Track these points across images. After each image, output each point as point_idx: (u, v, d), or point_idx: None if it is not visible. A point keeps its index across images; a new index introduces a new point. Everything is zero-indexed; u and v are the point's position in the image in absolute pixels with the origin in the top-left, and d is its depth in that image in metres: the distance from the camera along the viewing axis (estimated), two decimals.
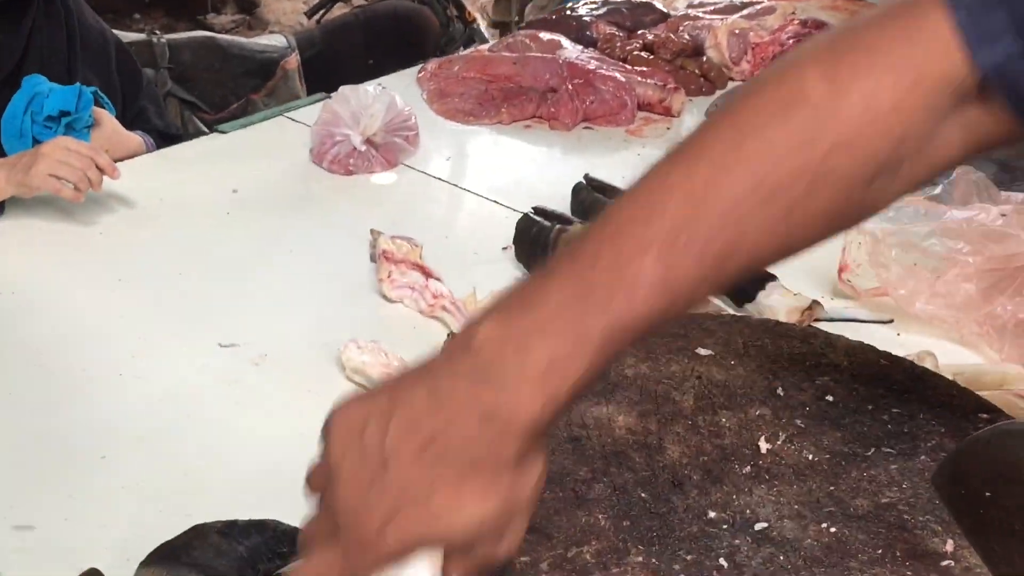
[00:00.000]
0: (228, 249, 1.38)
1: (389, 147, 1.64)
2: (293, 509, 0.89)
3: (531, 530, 0.69)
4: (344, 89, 1.64)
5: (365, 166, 1.61)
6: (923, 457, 0.77)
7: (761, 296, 1.23)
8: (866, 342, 1.10)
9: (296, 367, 1.11)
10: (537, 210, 1.38)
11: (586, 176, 1.46)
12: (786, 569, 0.68)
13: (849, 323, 1.24)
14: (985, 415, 0.82)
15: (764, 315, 1.21)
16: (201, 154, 1.69)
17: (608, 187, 1.43)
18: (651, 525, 0.71)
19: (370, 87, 1.65)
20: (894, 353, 0.93)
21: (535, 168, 1.72)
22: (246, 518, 0.80)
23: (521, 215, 1.38)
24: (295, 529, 0.81)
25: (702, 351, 0.89)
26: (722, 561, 0.68)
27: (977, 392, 1.07)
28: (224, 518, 0.81)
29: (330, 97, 1.67)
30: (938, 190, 1.20)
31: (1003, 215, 1.09)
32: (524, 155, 1.75)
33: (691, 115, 1.89)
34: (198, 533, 0.77)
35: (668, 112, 1.87)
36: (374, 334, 1.18)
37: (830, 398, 0.84)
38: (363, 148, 1.61)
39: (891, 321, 1.24)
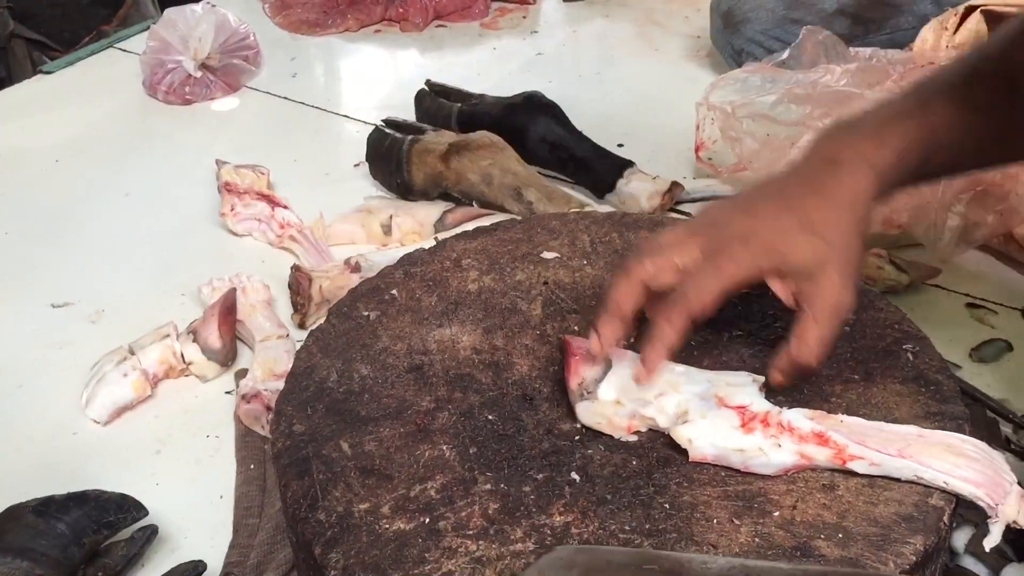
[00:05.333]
0: (58, 200, 1.29)
1: (228, 70, 1.54)
2: (124, 475, 0.85)
3: (369, 473, 0.66)
4: (170, 12, 1.53)
5: (204, 93, 1.51)
6: (774, 337, 0.75)
7: (620, 184, 1.20)
8: None
9: (137, 319, 1.04)
10: (388, 122, 1.32)
11: (428, 81, 1.39)
12: (639, 473, 0.65)
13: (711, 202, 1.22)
14: None
15: (626, 203, 1.18)
16: (26, 99, 1.56)
17: (452, 90, 1.36)
18: (499, 448, 0.68)
19: (198, 7, 1.53)
20: None
21: (388, 76, 1.64)
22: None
23: (372, 128, 1.31)
24: (120, 496, 0.77)
25: (547, 255, 0.85)
26: (574, 475, 0.65)
27: None
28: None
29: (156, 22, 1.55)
30: (785, 55, 1.17)
31: (848, 74, 1.07)
32: (375, 63, 1.67)
33: (549, 1, 1.82)
34: (10, 515, 0.71)
35: (524, 0, 1.80)
36: (222, 273, 1.11)
37: None
38: (199, 74, 1.50)
39: None
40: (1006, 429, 0.89)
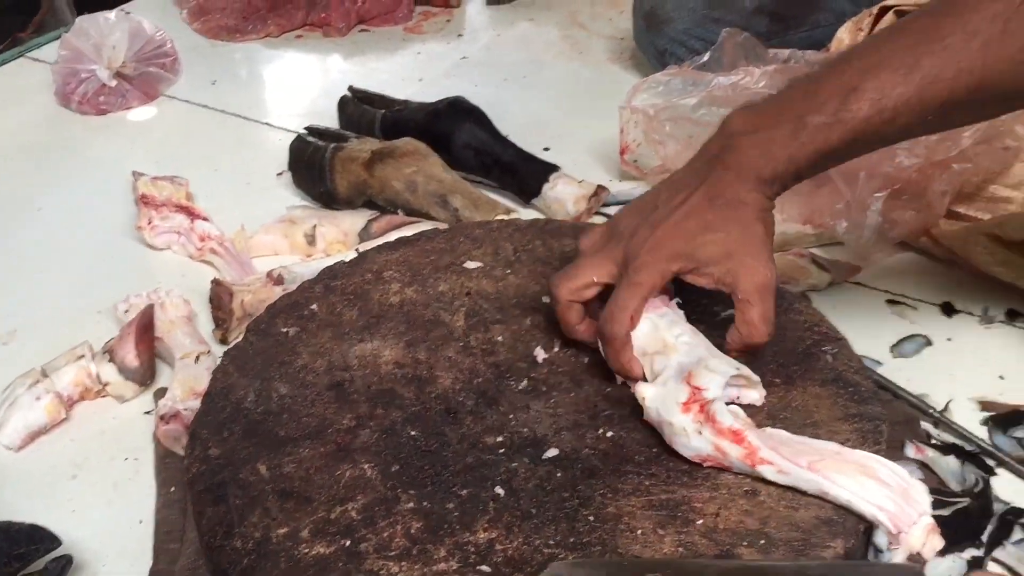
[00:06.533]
0: None
1: (145, 78, 1.50)
2: (38, 503, 0.82)
3: (288, 496, 0.64)
4: (81, 19, 1.49)
5: (120, 102, 1.47)
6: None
7: (546, 189, 1.19)
8: None
9: (51, 340, 1.01)
10: (311, 130, 1.30)
11: (351, 88, 1.37)
12: (564, 485, 0.65)
13: None
14: None
15: (552, 207, 1.18)
16: None
17: (375, 96, 1.35)
18: (422, 465, 0.67)
19: (111, 14, 1.49)
20: None
21: (311, 82, 1.62)
22: None
23: (294, 137, 1.29)
24: (31, 526, 0.74)
25: (470, 264, 0.84)
26: (498, 490, 0.65)
27: None
28: None
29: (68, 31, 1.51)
30: (706, 57, 1.17)
31: (767, 76, 1.08)
32: (297, 69, 1.64)
33: (473, 4, 1.81)
34: None
35: (447, 3, 1.79)
36: (140, 288, 1.08)
37: None
38: (114, 83, 1.46)
39: None
40: (926, 424, 0.90)
